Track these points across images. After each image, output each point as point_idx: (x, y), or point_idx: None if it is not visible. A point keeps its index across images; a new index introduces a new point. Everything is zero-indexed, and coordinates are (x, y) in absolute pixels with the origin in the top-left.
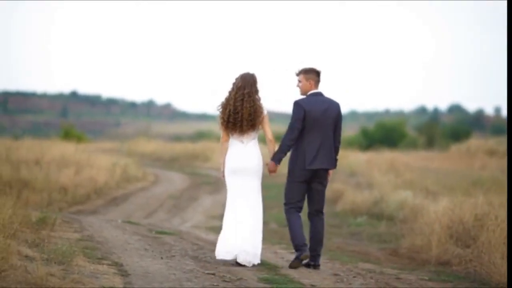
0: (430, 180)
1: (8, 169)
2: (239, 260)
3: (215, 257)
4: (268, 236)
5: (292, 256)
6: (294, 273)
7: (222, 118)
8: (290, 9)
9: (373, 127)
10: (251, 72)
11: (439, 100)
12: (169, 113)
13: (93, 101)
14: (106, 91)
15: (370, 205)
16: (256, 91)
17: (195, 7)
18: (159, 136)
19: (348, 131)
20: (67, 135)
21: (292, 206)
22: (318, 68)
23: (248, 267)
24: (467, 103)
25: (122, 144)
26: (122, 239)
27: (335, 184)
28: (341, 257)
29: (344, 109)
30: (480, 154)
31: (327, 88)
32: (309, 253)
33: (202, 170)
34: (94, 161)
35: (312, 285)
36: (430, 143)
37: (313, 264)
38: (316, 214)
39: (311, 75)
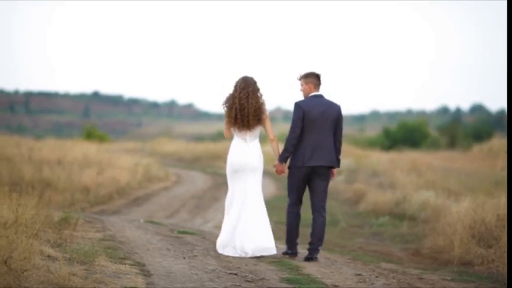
0: (452, 180)
1: (30, 169)
2: (232, 254)
3: (216, 249)
4: None
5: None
6: (316, 273)
7: (229, 116)
8: (309, 11)
9: (395, 127)
10: (249, 75)
11: (461, 100)
12: (191, 113)
13: (115, 101)
14: (128, 91)
15: (392, 205)
16: (258, 90)
17: (219, 8)
18: (181, 136)
19: (370, 131)
20: (89, 135)
21: (292, 201)
22: (317, 72)
23: (270, 266)
24: (489, 103)
25: (144, 144)
26: (144, 239)
27: (357, 184)
28: (363, 257)
29: (366, 109)
30: (503, 154)
31: (349, 88)
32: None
33: (224, 170)
34: (116, 161)
35: (334, 285)
36: (452, 143)
37: (311, 257)
38: (317, 210)
39: (311, 78)
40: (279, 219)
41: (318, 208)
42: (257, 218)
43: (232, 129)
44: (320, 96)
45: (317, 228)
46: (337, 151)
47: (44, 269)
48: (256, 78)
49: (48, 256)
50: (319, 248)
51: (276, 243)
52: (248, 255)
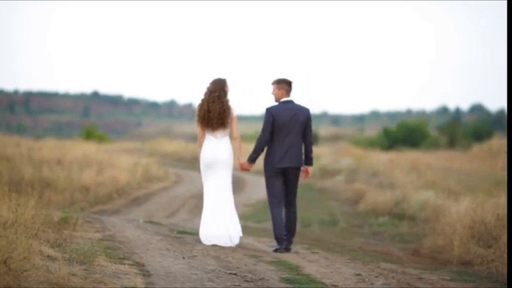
0: (452, 180)
1: (30, 169)
2: (221, 244)
3: (199, 239)
4: None
5: (314, 256)
6: (315, 273)
7: (199, 116)
8: (310, 11)
9: (395, 127)
10: (222, 77)
11: (461, 100)
12: (190, 113)
13: (115, 101)
14: (128, 91)
15: (392, 205)
16: (225, 94)
17: (219, 7)
18: (180, 136)
19: (370, 131)
20: (89, 135)
21: (273, 199)
22: (289, 79)
23: (269, 266)
24: (489, 103)
25: (143, 144)
26: (144, 239)
27: (356, 184)
28: (363, 257)
29: (366, 109)
30: (503, 154)
31: (349, 88)
32: (290, 248)
33: None
34: (116, 161)
35: (334, 285)
36: (452, 143)
37: (285, 248)
38: (288, 206)
39: (283, 85)
40: None
41: (290, 204)
42: (226, 211)
43: (204, 129)
44: (290, 102)
45: (289, 221)
46: (309, 150)
47: (43, 269)
48: (227, 81)
49: (48, 256)
50: (292, 239)
51: (275, 242)
52: (211, 243)
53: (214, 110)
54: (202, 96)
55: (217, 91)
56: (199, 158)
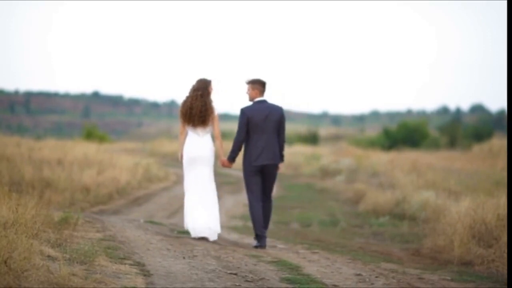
0: (452, 180)
1: (30, 169)
2: (203, 235)
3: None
4: (290, 236)
5: (314, 256)
6: (316, 273)
7: (181, 112)
8: (311, 11)
9: (395, 127)
10: (208, 78)
11: (461, 100)
12: None
13: (115, 101)
14: (128, 92)
15: (392, 205)
16: (208, 94)
17: (220, 7)
18: None
19: (370, 131)
20: (90, 135)
21: (252, 197)
22: (263, 80)
23: (270, 266)
24: (489, 103)
25: (144, 144)
26: (144, 239)
27: (357, 184)
28: (363, 257)
29: (366, 109)
30: (503, 154)
31: (349, 88)
32: (265, 247)
33: (224, 170)
34: (116, 161)
35: (334, 285)
36: (452, 143)
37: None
38: (265, 200)
39: (257, 85)
40: (279, 219)
41: (267, 198)
42: (209, 203)
43: (185, 125)
44: (264, 101)
45: (264, 214)
46: (281, 148)
47: (44, 269)
48: (212, 81)
49: (48, 256)
50: (265, 233)
51: (276, 242)
52: (199, 236)
53: (196, 107)
54: (187, 94)
55: (200, 90)
56: (181, 154)
